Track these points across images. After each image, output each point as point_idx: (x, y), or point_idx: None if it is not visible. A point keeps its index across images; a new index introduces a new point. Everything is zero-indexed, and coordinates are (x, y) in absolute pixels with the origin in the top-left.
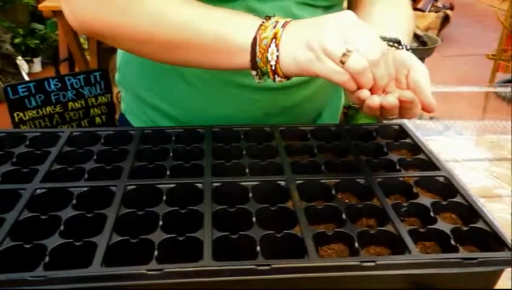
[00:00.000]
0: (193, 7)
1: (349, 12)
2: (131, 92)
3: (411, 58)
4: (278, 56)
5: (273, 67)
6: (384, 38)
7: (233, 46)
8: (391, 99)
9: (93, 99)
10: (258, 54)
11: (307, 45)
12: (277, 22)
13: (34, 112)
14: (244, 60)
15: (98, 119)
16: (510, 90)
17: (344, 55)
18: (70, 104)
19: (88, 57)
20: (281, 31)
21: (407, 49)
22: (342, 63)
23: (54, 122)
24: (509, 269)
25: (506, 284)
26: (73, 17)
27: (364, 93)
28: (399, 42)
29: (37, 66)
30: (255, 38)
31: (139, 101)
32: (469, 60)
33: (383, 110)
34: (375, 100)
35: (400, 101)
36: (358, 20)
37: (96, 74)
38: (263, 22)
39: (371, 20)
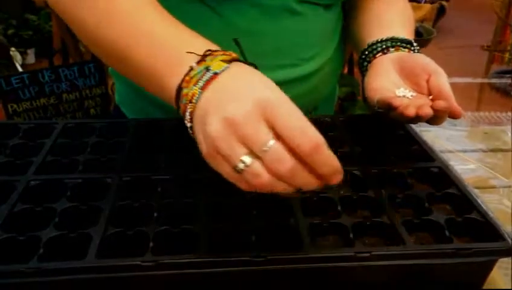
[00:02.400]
0: (145, 13)
1: (272, 92)
2: (125, 83)
3: (431, 63)
4: (191, 127)
5: (190, 133)
6: (396, 40)
7: (162, 87)
8: (428, 111)
9: (87, 91)
10: (180, 109)
11: (203, 134)
12: (205, 70)
13: (28, 103)
14: (173, 103)
15: (92, 111)
16: (504, 81)
17: (238, 166)
18: (64, 95)
19: (82, 48)
20: (198, 94)
21: (417, 50)
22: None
23: (48, 113)
24: (509, 266)
25: (506, 284)
26: None
27: (399, 101)
28: (411, 43)
29: (31, 57)
30: (179, 89)
31: (133, 92)
32: (464, 52)
33: (415, 119)
34: (411, 110)
35: (434, 110)
36: (281, 101)
37: (90, 65)
38: (191, 68)
39: (374, 19)
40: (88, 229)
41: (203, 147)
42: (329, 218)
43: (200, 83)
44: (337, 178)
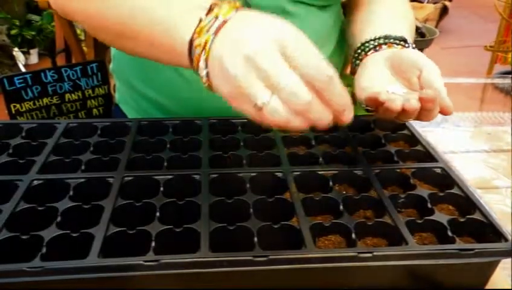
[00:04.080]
0: None
1: (286, 27)
2: (125, 82)
3: (422, 58)
4: (207, 73)
5: (205, 84)
6: (389, 37)
7: (174, 45)
8: (414, 102)
9: (90, 91)
10: (193, 62)
11: (223, 76)
12: (215, 19)
13: (31, 103)
14: (186, 62)
15: (95, 111)
16: (508, 81)
17: (258, 104)
18: (67, 95)
19: (85, 48)
20: (211, 40)
21: (412, 48)
22: (258, 110)
23: (51, 113)
24: (509, 266)
25: (509, 285)
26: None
27: (385, 96)
28: (405, 40)
29: (34, 57)
30: (190, 42)
31: (133, 91)
32: (467, 52)
33: (402, 114)
34: (397, 103)
35: (421, 101)
36: (295, 36)
37: (93, 65)
38: (201, 20)
39: (372, 18)
40: (90, 229)
41: (224, 89)
42: (332, 218)
43: (212, 30)
44: (348, 115)
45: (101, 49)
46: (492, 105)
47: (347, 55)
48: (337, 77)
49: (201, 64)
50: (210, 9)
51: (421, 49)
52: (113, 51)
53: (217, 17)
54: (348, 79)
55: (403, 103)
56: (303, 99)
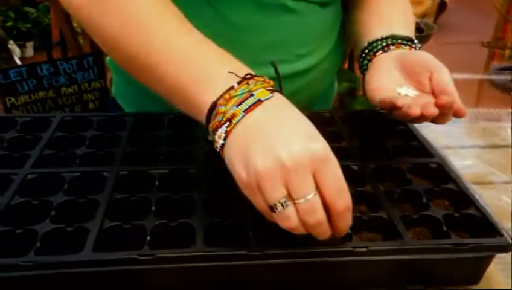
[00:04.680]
0: (170, 22)
1: (324, 145)
2: (121, 75)
3: (433, 60)
4: (223, 145)
5: (218, 149)
6: (396, 37)
7: (194, 100)
8: (433, 110)
9: (86, 85)
10: (211, 124)
11: (245, 162)
12: (249, 94)
13: (27, 96)
14: (200, 117)
15: (91, 105)
16: (504, 78)
17: (274, 206)
18: (63, 89)
19: (81, 41)
20: (240, 116)
21: (419, 47)
22: (271, 209)
23: (46, 107)
24: (503, 261)
25: (504, 280)
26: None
27: (402, 101)
28: (412, 41)
29: (30, 50)
30: (214, 104)
31: (129, 84)
32: (465, 48)
33: (418, 118)
34: (415, 110)
35: (439, 107)
36: (330, 159)
37: (89, 58)
38: (233, 87)
39: (374, 18)
40: (85, 223)
41: (243, 175)
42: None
43: (243, 106)
44: (344, 234)
45: None
46: (488, 101)
47: (346, 52)
48: (351, 208)
49: (222, 134)
50: (243, 81)
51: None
52: None
53: (251, 94)
54: (348, 74)
55: (421, 108)
56: (318, 218)
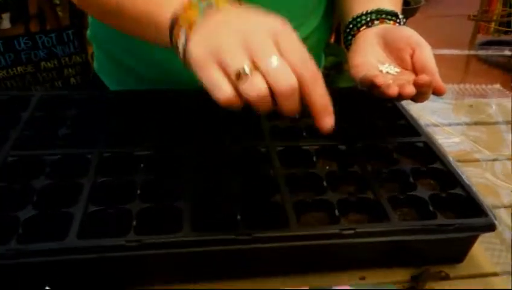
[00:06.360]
0: None
1: (283, 20)
2: (103, 50)
3: (415, 36)
4: (184, 50)
5: (181, 56)
6: (381, 12)
7: (157, 23)
8: (410, 90)
9: (66, 59)
10: (173, 37)
11: (205, 43)
12: (208, 4)
13: (4, 72)
14: (167, 39)
15: (72, 80)
16: (491, 53)
17: (239, 75)
18: (42, 63)
19: (60, 13)
20: (199, 19)
21: (403, 23)
22: (237, 78)
23: (25, 82)
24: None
25: (488, 258)
26: None
27: (381, 80)
28: (396, 15)
29: (6, 22)
30: (175, 17)
31: (111, 60)
32: (452, 21)
33: (398, 98)
34: (393, 90)
35: (417, 86)
36: (289, 31)
37: (69, 32)
38: (191, 2)
39: None
40: (68, 208)
41: (200, 51)
42: (315, 195)
43: (203, 4)
44: (329, 121)
45: (77, 14)
46: (475, 77)
47: (332, 27)
48: (323, 79)
49: (182, 36)
50: None
51: (405, 18)
52: (90, 16)
53: (208, 3)
54: (334, 48)
55: (398, 88)
56: (291, 83)
